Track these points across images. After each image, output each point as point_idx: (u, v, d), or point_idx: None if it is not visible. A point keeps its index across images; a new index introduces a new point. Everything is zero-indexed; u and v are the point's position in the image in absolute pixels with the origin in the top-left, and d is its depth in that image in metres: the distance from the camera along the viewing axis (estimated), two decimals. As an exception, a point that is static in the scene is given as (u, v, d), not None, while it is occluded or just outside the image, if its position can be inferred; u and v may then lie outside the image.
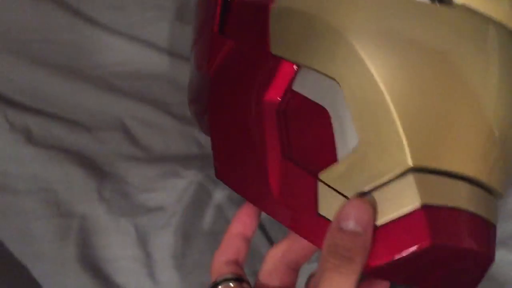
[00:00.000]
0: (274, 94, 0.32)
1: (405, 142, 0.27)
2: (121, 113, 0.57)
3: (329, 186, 0.29)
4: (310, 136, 0.31)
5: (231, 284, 0.32)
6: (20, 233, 0.48)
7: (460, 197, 0.28)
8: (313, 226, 0.29)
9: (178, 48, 0.61)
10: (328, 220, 0.29)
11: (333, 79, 0.29)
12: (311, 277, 0.35)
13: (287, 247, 0.33)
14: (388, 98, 0.27)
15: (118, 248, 0.48)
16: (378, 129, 0.28)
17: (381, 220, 0.27)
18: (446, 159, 0.28)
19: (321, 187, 0.29)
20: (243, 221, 0.35)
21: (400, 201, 0.27)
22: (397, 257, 0.26)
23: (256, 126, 0.33)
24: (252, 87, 0.33)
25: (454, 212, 0.27)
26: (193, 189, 0.52)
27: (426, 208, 0.27)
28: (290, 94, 0.32)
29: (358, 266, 0.27)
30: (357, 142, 0.28)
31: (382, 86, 0.27)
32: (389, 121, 0.27)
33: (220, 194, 0.51)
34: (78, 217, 0.49)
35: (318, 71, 0.30)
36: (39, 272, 0.46)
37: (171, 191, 0.52)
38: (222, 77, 0.36)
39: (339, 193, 0.28)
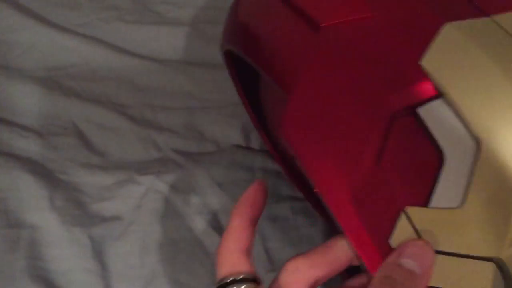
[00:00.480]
0: (398, 101, 0.29)
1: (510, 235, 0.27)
2: (75, 117, 0.55)
3: (411, 223, 0.28)
4: (406, 163, 0.29)
5: (250, 286, 0.29)
6: (-33, 245, 0.46)
7: None
8: (374, 249, 0.28)
9: (135, 49, 0.59)
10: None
11: (476, 132, 0.27)
12: None
13: (313, 262, 0.30)
14: None
15: (71, 260, 0.46)
16: (495, 205, 0.27)
17: (441, 284, 0.27)
18: None
19: (402, 219, 0.28)
20: (256, 205, 0.31)
21: (470, 281, 0.27)
22: None
23: (362, 115, 0.30)
24: (377, 76, 0.30)
25: None
26: (151, 196, 0.50)
27: None
28: (410, 110, 0.29)
29: None
30: (459, 202, 0.27)
31: None
32: (510, 205, 0.26)
33: (180, 201, 0.50)
34: (28, 227, 0.47)
35: (461, 114, 0.28)
36: (-14, 287, 0.44)
37: (127, 199, 0.50)
38: (340, 41, 0.32)
39: (419, 236, 0.27)
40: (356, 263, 0.30)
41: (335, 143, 0.29)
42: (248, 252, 0.30)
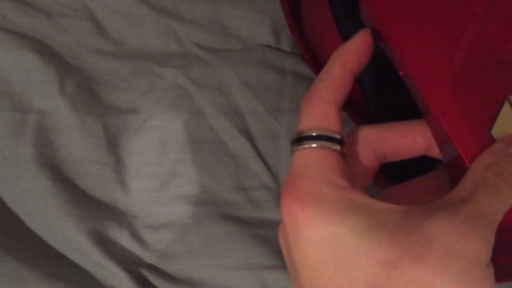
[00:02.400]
0: None
1: None
2: (87, -2, 0.51)
3: None
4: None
5: (336, 148, 0.25)
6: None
7: None
8: (472, 138, 0.25)
9: None
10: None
11: None
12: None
13: (385, 138, 0.28)
14: None
15: (83, 149, 0.43)
16: None
17: None
18: None
19: (506, 108, 0.26)
20: (362, 58, 0.27)
21: None
22: None
23: None
24: None
25: None
26: (172, 90, 0.47)
27: None
28: None
29: None
30: None
31: None
32: None
33: (204, 99, 0.47)
34: (36, 112, 0.44)
35: None
36: (-11, 171, 0.41)
37: (146, 92, 0.47)
38: None
39: None
40: (433, 153, 0.28)
41: (432, 16, 0.26)
42: (340, 110, 0.26)
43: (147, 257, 0.41)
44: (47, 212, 0.40)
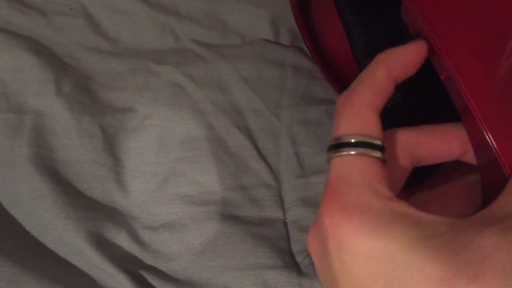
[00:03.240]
0: None
1: None
2: (82, -5, 0.51)
3: None
4: None
5: (377, 155, 0.24)
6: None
7: None
8: None
9: None
10: None
11: None
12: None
13: (421, 142, 0.27)
14: None
15: (80, 150, 0.44)
16: None
17: None
18: None
19: None
20: (410, 67, 0.26)
21: None
22: None
23: None
24: None
25: None
26: (170, 88, 0.47)
27: None
28: None
29: None
30: None
31: None
32: None
33: (201, 96, 0.47)
34: (32, 112, 0.44)
35: None
36: (-15, 174, 0.42)
37: (142, 90, 0.47)
38: None
39: None
40: (467, 159, 0.28)
41: (482, 20, 0.26)
42: (380, 115, 0.25)
43: (146, 258, 0.41)
44: (44, 214, 0.40)
